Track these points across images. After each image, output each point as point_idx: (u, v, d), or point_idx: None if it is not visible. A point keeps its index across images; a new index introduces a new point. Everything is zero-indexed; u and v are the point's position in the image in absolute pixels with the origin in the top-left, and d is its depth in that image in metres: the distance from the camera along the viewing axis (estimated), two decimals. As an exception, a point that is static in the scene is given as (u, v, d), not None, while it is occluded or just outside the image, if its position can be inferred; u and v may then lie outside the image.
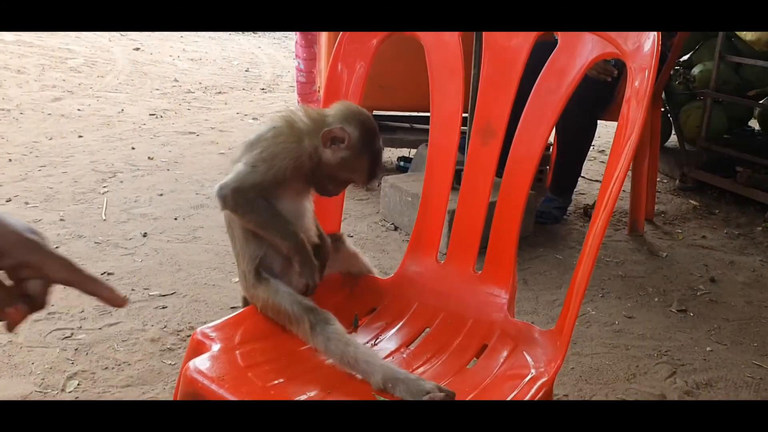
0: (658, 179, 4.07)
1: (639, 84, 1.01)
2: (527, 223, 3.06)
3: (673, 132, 4.03)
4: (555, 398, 1.98)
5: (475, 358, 1.09)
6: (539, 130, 1.14)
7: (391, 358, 1.09)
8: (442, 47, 1.21)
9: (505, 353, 1.07)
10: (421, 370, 1.06)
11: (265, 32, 8.90)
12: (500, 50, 1.18)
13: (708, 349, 2.30)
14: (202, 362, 0.95)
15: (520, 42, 1.16)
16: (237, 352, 1.00)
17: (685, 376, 2.13)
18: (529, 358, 1.04)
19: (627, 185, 3.57)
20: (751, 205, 3.63)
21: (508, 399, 0.92)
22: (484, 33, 1.21)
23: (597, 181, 4.05)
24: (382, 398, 0.96)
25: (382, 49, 1.26)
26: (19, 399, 1.75)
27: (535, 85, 1.16)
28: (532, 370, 0.99)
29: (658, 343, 2.32)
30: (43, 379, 1.84)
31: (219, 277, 2.47)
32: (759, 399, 2.04)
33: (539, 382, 0.96)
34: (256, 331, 1.07)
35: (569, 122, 3.10)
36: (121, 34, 7.57)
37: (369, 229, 3.01)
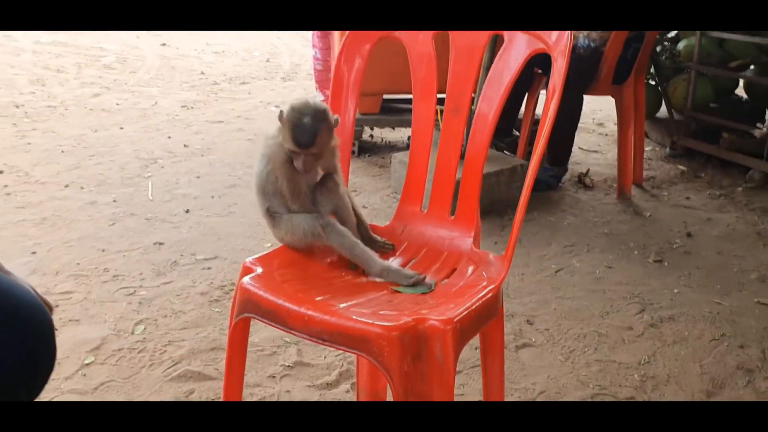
0: (650, 147, 4.43)
1: (559, 64, 1.38)
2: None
3: (664, 103, 4.35)
4: (538, 332, 2.36)
5: (446, 279, 1.48)
6: (492, 108, 1.51)
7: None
8: (418, 46, 1.60)
9: (467, 272, 1.46)
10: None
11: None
12: (462, 47, 1.56)
13: (675, 291, 2.66)
14: (252, 278, 1.35)
15: (476, 40, 1.54)
16: (275, 273, 1.40)
17: (652, 313, 2.49)
18: (485, 274, 1.42)
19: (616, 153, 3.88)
20: (734, 168, 3.95)
21: (469, 302, 1.30)
22: (450, 33, 1.58)
23: (594, 151, 4.39)
24: (378, 279, 1.42)
25: (391, 43, 1.64)
26: (99, 340, 2.17)
27: (489, 73, 1.53)
28: (485, 282, 1.38)
29: (633, 287, 2.68)
30: (116, 325, 2.26)
31: (253, 244, 2.87)
32: (714, 329, 2.40)
33: (489, 288, 1.34)
34: (287, 260, 1.47)
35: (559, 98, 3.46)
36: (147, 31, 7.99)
37: (381, 200, 3.40)
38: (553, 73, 1.41)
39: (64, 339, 2.15)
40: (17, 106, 4.79)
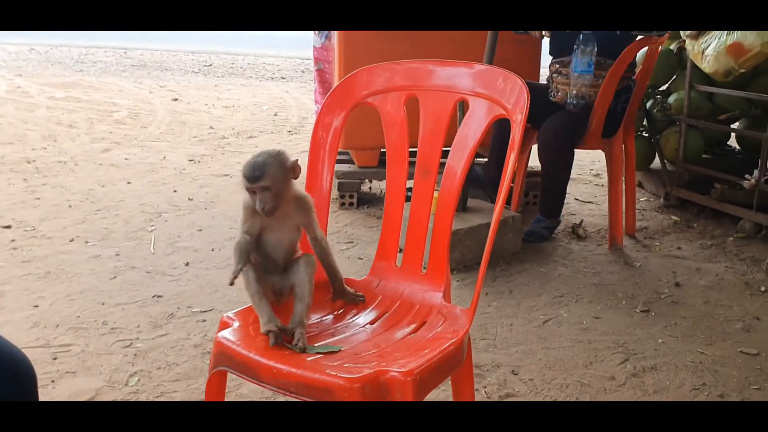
0: (645, 198, 4.51)
1: (519, 118, 1.49)
2: (516, 242, 3.50)
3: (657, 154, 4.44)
4: (522, 382, 2.41)
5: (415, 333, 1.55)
6: (458, 170, 1.61)
7: (364, 329, 1.57)
8: (389, 112, 1.71)
9: (436, 325, 1.53)
10: (380, 338, 1.53)
11: (293, 77, 9.50)
12: (430, 113, 1.67)
13: (660, 341, 2.71)
14: (227, 333, 1.44)
15: (443, 107, 1.65)
16: (250, 327, 1.48)
17: (635, 362, 2.54)
18: (451, 328, 1.50)
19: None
20: (726, 218, 4.01)
21: (430, 354, 1.38)
22: (420, 99, 1.69)
23: (589, 202, 4.46)
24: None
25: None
26: (93, 392, 2.24)
27: (456, 136, 1.63)
28: (450, 335, 1.46)
29: (618, 337, 2.73)
30: (111, 377, 2.34)
31: (248, 297, 2.95)
32: (695, 379, 2.44)
33: (451, 341, 1.42)
34: (262, 315, 1.56)
35: (550, 152, 3.55)
36: (160, 86, 8.23)
37: (377, 252, 3.48)
38: (512, 131, 1.51)
39: (60, 391, 2.22)
40: (29, 162, 4.96)
